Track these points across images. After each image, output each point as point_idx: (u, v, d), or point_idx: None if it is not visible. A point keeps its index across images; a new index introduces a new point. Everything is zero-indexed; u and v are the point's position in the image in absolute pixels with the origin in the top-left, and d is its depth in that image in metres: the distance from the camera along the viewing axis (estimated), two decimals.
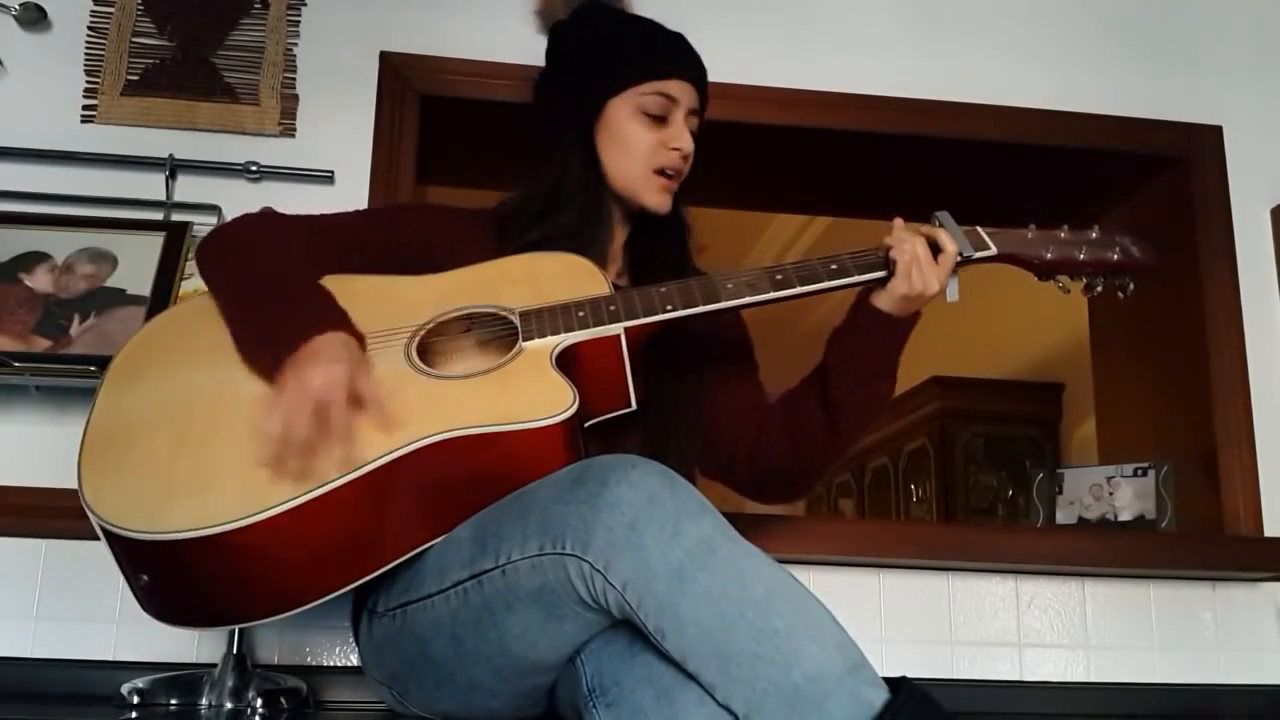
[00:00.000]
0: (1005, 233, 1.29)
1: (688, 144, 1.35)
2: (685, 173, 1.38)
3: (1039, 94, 2.07)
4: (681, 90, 1.35)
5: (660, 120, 1.34)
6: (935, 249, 1.24)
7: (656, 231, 1.40)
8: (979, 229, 1.28)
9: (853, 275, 1.24)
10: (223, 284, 1.23)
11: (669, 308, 1.21)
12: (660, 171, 1.35)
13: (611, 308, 1.19)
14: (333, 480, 1.02)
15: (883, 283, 1.24)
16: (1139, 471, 1.98)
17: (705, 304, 1.22)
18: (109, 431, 1.11)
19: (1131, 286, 1.31)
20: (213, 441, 1.08)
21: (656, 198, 1.35)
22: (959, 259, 1.25)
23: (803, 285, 1.23)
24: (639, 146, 1.34)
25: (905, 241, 1.22)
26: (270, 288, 1.18)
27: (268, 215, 1.32)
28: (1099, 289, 1.31)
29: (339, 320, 1.13)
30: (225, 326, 1.20)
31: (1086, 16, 2.15)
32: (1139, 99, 2.10)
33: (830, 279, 1.23)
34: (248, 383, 1.13)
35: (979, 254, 1.26)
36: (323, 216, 1.34)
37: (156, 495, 1.03)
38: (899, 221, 1.26)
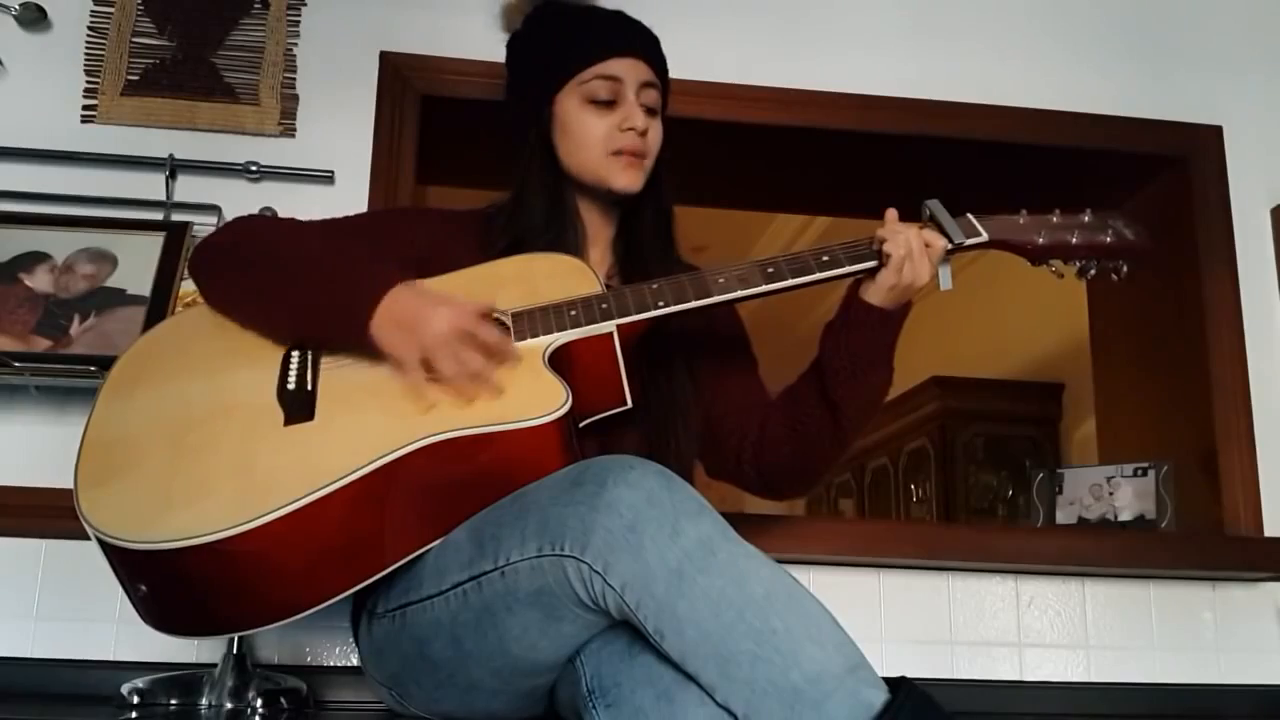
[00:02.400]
0: (997, 219, 1.28)
1: (641, 121, 1.32)
2: (652, 149, 1.35)
3: (1039, 94, 2.07)
4: (625, 67, 1.33)
5: (610, 104, 1.32)
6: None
7: (640, 224, 1.40)
8: (970, 216, 1.28)
9: (844, 266, 1.23)
10: (234, 283, 1.22)
11: (660, 304, 1.20)
12: (618, 153, 1.32)
13: (603, 306, 1.19)
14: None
15: (873, 275, 1.24)
16: (1139, 471, 1.98)
17: (697, 299, 1.22)
18: (105, 442, 1.11)
19: (1125, 269, 1.30)
20: (209, 451, 1.08)
21: (623, 178, 1.33)
22: (951, 247, 1.25)
23: (794, 277, 1.22)
24: (591, 136, 1.32)
25: (899, 234, 1.22)
26: (304, 268, 1.18)
27: (259, 217, 1.32)
28: (1093, 272, 1.31)
29: (395, 273, 1.15)
30: (221, 337, 1.20)
31: (1087, 16, 2.15)
32: (1139, 99, 2.10)
33: (821, 270, 1.23)
34: (244, 392, 1.14)
35: (971, 241, 1.26)
36: (314, 222, 1.34)
37: (152, 505, 1.03)
38: (892, 213, 1.26)
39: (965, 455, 4.19)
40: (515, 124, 1.40)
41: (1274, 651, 1.89)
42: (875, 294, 1.24)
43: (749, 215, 3.77)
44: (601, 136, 1.32)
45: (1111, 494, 1.99)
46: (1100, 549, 1.85)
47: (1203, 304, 2.02)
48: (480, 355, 1.10)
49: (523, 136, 1.38)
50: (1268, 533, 1.92)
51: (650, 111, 1.35)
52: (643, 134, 1.32)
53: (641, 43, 1.36)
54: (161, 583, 1.04)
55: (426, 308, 1.11)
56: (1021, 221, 1.29)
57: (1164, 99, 2.11)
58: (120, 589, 1.08)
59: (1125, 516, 1.96)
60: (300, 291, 1.17)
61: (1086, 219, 1.30)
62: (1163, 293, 2.12)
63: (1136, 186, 2.22)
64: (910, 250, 1.21)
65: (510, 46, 1.43)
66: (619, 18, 1.38)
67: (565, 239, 1.32)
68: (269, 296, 1.19)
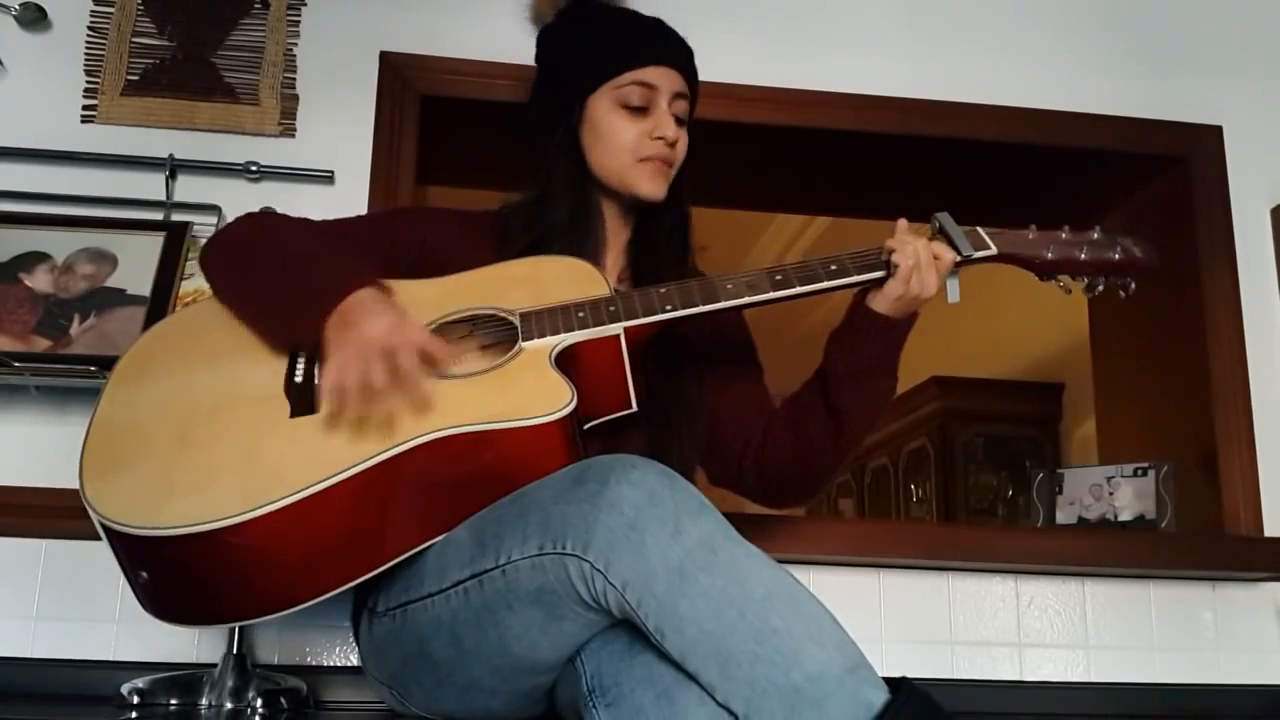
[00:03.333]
0: (1006, 233, 1.29)
1: (672, 131, 1.33)
2: (678, 159, 1.36)
3: (1039, 94, 2.07)
4: (661, 76, 1.33)
5: (642, 111, 1.33)
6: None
7: (657, 228, 1.40)
8: (979, 229, 1.28)
9: (852, 275, 1.24)
10: (234, 278, 1.23)
11: (668, 308, 1.21)
12: (646, 160, 1.33)
13: (611, 308, 1.20)
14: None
15: (880, 284, 1.24)
16: (1139, 471, 1.98)
17: (705, 304, 1.22)
18: (111, 431, 1.12)
19: (1133, 286, 1.31)
20: (215, 442, 1.08)
21: (649, 185, 1.34)
22: (959, 259, 1.25)
23: (802, 285, 1.23)
24: (622, 140, 1.33)
25: (908, 245, 1.22)
26: (288, 266, 1.18)
27: (269, 213, 1.32)
28: (1100, 289, 1.31)
29: (366, 276, 1.14)
30: (230, 330, 1.20)
31: (1086, 16, 2.15)
32: (1139, 99, 2.10)
33: (830, 279, 1.23)
34: (251, 383, 1.14)
35: (979, 254, 1.26)
36: (324, 222, 1.35)
37: (157, 493, 1.04)
38: (903, 223, 1.26)
39: (965, 455, 4.19)
40: (542, 120, 1.40)
41: (1274, 651, 1.89)
42: (882, 303, 1.24)
43: (749, 215, 3.76)
44: (631, 142, 1.32)
45: (1111, 494, 1.99)
46: (1100, 549, 1.85)
47: (1203, 304, 2.03)
48: (385, 376, 1.05)
49: (549, 133, 1.38)
50: (1268, 533, 1.92)
51: (680, 122, 1.36)
52: (672, 144, 1.33)
53: (678, 53, 1.37)
54: (162, 570, 1.04)
55: (373, 314, 1.08)
56: (1030, 236, 1.29)
57: (1164, 99, 2.11)
58: (121, 586, 1.08)
59: (1125, 516, 1.96)
60: (274, 290, 1.18)
61: (1095, 236, 1.30)
62: (1163, 293, 2.11)
63: (1136, 186, 2.22)
64: (919, 261, 1.21)
65: (541, 42, 1.43)
66: (659, 26, 1.39)
67: (587, 240, 1.33)
68: (251, 295, 1.20)
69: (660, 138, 1.32)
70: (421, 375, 1.07)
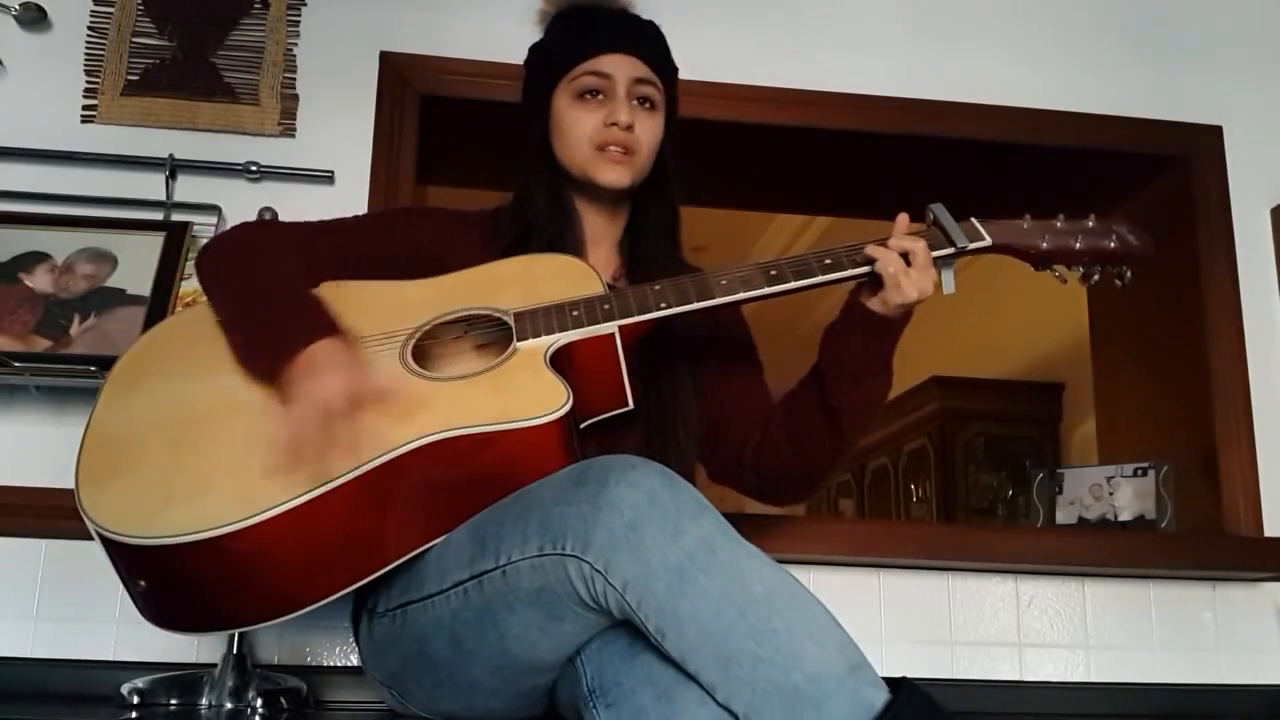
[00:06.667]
0: (1000, 223, 1.28)
1: (624, 117, 1.31)
2: (639, 144, 1.33)
3: (1039, 94, 2.07)
4: (615, 63, 1.33)
5: (600, 101, 1.32)
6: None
7: (646, 224, 1.40)
8: (974, 220, 1.27)
9: (846, 270, 1.23)
10: (220, 295, 1.24)
11: (663, 305, 1.20)
12: (603, 148, 1.32)
13: (605, 307, 1.19)
14: (331, 480, 1.02)
15: (874, 289, 1.23)
16: (1139, 471, 1.98)
17: (699, 301, 1.21)
18: (107, 438, 1.11)
19: (1129, 275, 1.30)
20: (210, 448, 1.08)
21: (607, 173, 1.32)
22: (954, 250, 1.24)
23: (797, 280, 1.22)
24: (580, 131, 1.32)
25: (882, 257, 1.20)
26: (263, 298, 1.18)
27: (264, 224, 1.33)
28: (1096, 278, 1.30)
29: (329, 328, 1.13)
30: (223, 336, 1.20)
31: (1087, 16, 2.15)
32: (1139, 99, 2.10)
33: (824, 274, 1.22)
34: (246, 390, 1.14)
35: (974, 245, 1.25)
36: (319, 223, 1.35)
37: (153, 501, 1.03)
38: (903, 218, 1.25)
39: (965, 455, 4.19)
40: (522, 123, 1.40)
41: (1274, 651, 1.89)
42: (878, 305, 1.24)
43: (749, 215, 3.77)
44: (589, 132, 1.32)
45: (1111, 494, 1.99)
46: (1100, 549, 1.85)
47: (1203, 304, 2.03)
48: (317, 440, 1.04)
49: (527, 135, 1.38)
50: (1268, 533, 1.93)
51: (647, 107, 1.35)
52: (628, 129, 1.32)
53: (635, 39, 1.36)
54: (161, 579, 1.04)
55: (322, 373, 1.06)
56: (1025, 226, 1.28)
57: (1164, 99, 2.11)
58: (120, 588, 1.08)
59: (1125, 516, 1.96)
60: (245, 325, 1.18)
61: (1090, 224, 1.29)
62: (1163, 292, 2.12)
63: (1137, 186, 2.22)
64: (899, 268, 1.20)
65: (529, 50, 1.44)
66: (616, 15, 1.38)
67: (565, 236, 1.33)
68: (226, 323, 1.21)
69: (613, 124, 1.31)
70: (357, 438, 1.05)
